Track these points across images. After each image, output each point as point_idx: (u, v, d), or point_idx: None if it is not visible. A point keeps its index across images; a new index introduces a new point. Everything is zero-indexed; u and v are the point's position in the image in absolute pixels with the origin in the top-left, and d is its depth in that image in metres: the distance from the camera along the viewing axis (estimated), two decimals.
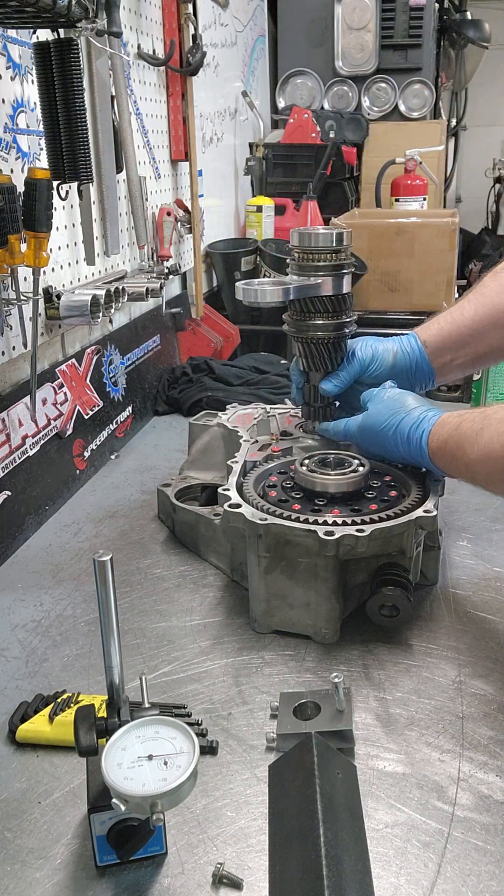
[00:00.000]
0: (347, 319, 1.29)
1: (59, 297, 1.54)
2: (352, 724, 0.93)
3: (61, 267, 1.64)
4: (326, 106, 3.92)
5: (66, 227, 1.65)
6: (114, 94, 1.80)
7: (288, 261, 1.30)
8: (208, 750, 0.93)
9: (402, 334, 1.35)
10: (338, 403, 1.38)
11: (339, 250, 1.25)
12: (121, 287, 1.70)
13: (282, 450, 1.33)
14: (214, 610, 1.22)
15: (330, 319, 1.27)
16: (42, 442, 1.52)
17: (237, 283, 1.26)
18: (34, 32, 1.44)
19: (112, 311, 1.65)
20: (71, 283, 1.68)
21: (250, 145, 3.48)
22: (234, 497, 1.15)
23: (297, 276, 1.26)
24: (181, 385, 2.16)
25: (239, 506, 1.13)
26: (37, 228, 1.30)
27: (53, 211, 1.33)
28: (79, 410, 1.69)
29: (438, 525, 1.20)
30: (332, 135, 3.61)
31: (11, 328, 1.41)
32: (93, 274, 1.79)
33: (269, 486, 1.23)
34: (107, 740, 0.76)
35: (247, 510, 1.12)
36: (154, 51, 2.17)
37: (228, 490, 1.18)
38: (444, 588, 1.27)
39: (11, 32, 1.39)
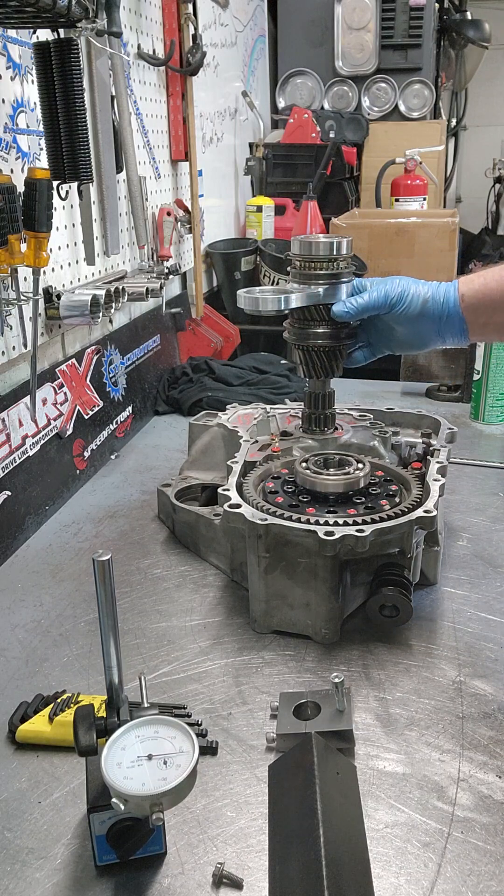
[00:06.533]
0: (348, 328, 1.29)
1: (59, 297, 1.55)
2: (352, 725, 0.93)
3: (61, 267, 1.64)
4: (326, 106, 3.92)
5: (66, 227, 1.65)
6: (114, 94, 1.80)
7: (288, 269, 1.30)
8: (208, 750, 0.93)
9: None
10: (337, 412, 1.37)
11: (340, 259, 1.25)
12: (121, 287, 1.70)
13: (282, 450, 1.33)
14: (214, 610, 1.22)
15: (330, 327, 1.27)
16: (42, 442, 1.52)
17: (238, 291, 1.25)
18: (34, 32, 1.44)
19: (112, 311, 1.65)
20: (71, 283, 1.68)
21: (250, 145, 3.48)
22: (234, 497, 1.15)
23: (297, 284, 1.26)
24: (181, 385, 2.16)
25: (239, 506, 1.13)
26: (37, 228, 1.30)
27: (53, 211, 1.33)
28: (79, 410, 1.69)
29: (438, 525, 1.20)
30: (332, 135, 3.61)
31: (11, 328, 1.41)
32: (93, 274, 1.79)
33: (268, 486, 1.23)
34: (106, 740, 0.76)
35: (247, 510, 1.12)
36: (154, 51, 2.17)
37: (228, 490, 1.18)
38: (443, 588, 1.27)
39: (11, 32, 1.39)
